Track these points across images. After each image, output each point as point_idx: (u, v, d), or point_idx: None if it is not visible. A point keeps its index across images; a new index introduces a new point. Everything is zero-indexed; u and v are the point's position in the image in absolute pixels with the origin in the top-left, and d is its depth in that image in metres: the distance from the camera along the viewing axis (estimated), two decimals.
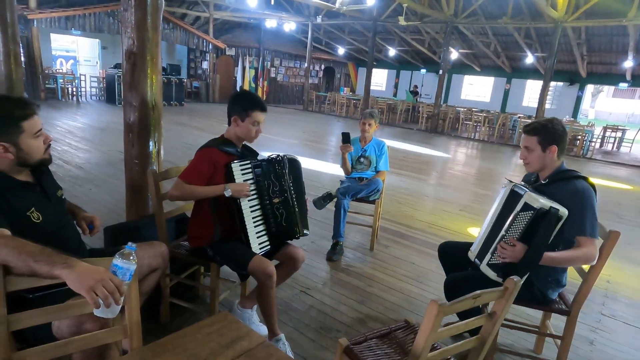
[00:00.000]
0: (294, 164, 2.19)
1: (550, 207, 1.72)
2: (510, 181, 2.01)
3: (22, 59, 10.35)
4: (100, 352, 1.28)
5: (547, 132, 1.91)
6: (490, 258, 1.90)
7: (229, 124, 2.09)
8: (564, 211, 1.74)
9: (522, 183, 2.05)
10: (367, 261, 3.35)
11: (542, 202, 1.74)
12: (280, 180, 2.10)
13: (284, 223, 2.10)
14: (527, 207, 1.78)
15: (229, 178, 1.99)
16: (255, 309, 2.23)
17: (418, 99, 17.50)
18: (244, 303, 2.21)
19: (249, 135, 2.08)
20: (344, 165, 3.47)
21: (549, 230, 1.75)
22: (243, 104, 2.03)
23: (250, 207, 2.04)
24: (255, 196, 2.06)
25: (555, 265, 1.85)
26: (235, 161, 2.00)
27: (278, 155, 2.12)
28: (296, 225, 2.14)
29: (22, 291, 1.29)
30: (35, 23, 11.41)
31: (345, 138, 3.32)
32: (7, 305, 1.11)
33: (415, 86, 18.47)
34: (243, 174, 2.02)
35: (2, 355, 1.10)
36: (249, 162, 2.06)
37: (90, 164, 5.61)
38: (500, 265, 1.85)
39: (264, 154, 2.21)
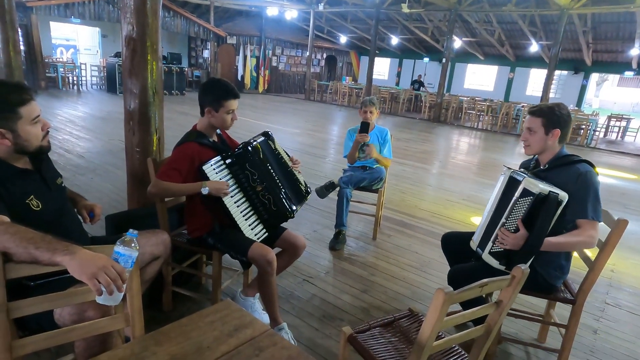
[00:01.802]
0: (266, 145, 2.15)
1: (550, 191, 1.70)
2: (509, 168, 1.99)
3: (22, 47, 10.30)
4: (103, 339, 1.27)
5: (552, 115, 1.88)
6: (492, 246, 1.88)
7: (202, 114, 2.05)
8: (563, 195, 1.72)
9: (521, 170, 2.02)
10: (370, 250, 3.33)
11: (540, 187, 1.71)
12: (257, 168, 2.05)
13: (274, 207, 2.07)
14: (526, 192, 1.76)
15: (205, 179, 1.95)
16: (258, 297, 2.22)
17: (427, 89, 17.28)
18: (246, 291, 2.20)
19: (225, 124, 2.05)
20: (352, 154, 3.38)
21: (549, 216, 1.73)
22: (215, 95, 1.99)
23: (235, 202, 2.01)
24: (237, 190, 2.03)
25: (557, 250, 1.84)
26: (207, 163, 1.96)
27: (248, 143, 2.06)
28: (288, 207, 2.10)
29: (24, 278, 1.27)
30: (34, 11, 11.30)
31: (364, 127, 3.25)
32: (8, 292, 1.09)
33: (420, 76, 18.27)
34: (217, 173, 1.99)
35: (2, 343, 1.09)
36: (220, 159, 2.01)
37: (91, 152, 5.59)
38: (503, 253, 1.83)
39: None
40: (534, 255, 1.80)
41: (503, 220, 1.84)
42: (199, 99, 2.04)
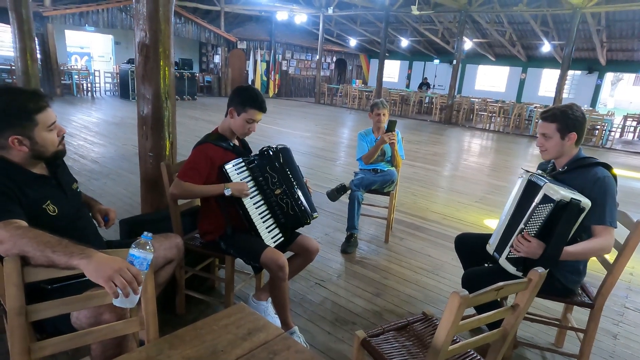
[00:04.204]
0: (286, 153, 2.18)
1: (572, 198, 1.63)
2: (527, 171, 1.93)
3: (38, 55, 10.54)
4: (118, 342, 1.28)
5: (566, 118, 1.83)
6: (510, 252, 1.83)
7: (226, 115, 2.07)
8: (586, 202, 1.65)
9: (539, 172, 1.97)
10: (382, 253, 3.31)
11: (562, 193, 1.65)
12: (277, 172, 2.08)
13: (291, 212, 2.09)
14: (546, 199, 1.70)
15: (226, 180, 1.97)
16: (270, 301, 2.22)
17: (430, 91, 17.28)
18: (258, 295, 2.20)
19: (240, 131, 2.06)
20: (372, 154, 3.32)
21: (570, 223, 1.67)
22: (243, 98, 2.02)
23: (254, 203, 2.03)
24: (256, 192, 2.05)
25: (574, 259, 1.79)
26: (228, 163, 1.99)
27: (269, 147, 2.12)
28: (304, 211, 2.12)
29: (42, 282, 1.29)
30: (50, 20, 11.57)
31: (392, 125, 3.15)
32: (26, 296, 1.11)
33: (425, 78, 18.20)
34: (239, 174, 2.01)
35: (21, 345, 1.10)
36: (241, 160, 2.04)
37: (105, 158, 5.68)
38: (520, 259, 1.78)
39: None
40: (552, 264, 1.75)
41: (522, 226, 1.79)
42: (228, 98, 2.07)
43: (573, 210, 1.65)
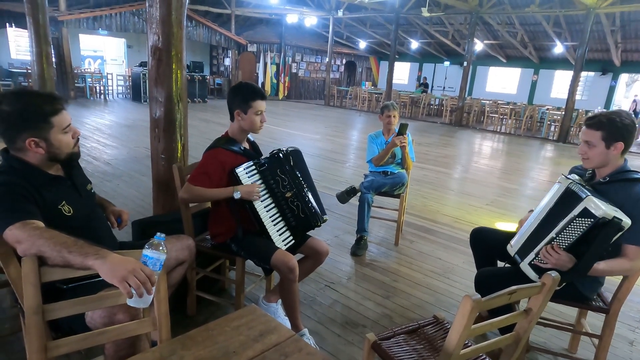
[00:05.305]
0: (297, 155, 2.19)
1: (614, 217, 1.54)
2: (567, 177, 1.83)
3: (53, 59, 10.75)
4: (131, 342, 1.30)
5: (614, 127, 1.69)
6: (534, 258, 1.76)
7: (232, 119, 2.07)
8: (627, 222, 1.56)
9: (578, 179, 1.83)
10: (392, 256, 3.30)
11: (604, 209, 1.54)
12: (287, 174, 2.09)
13: (302, 214, 2.10)
14: (586, 213, 1.59)
15: (236, 183, 1.98)
16: (280, 303, 2.23)
17: (427, 91, 17.32)
18: (268, 297, 2.21)
19: (254, 126, 2.05)
20: (382, 156, 3.30)
21: (606, 241, 1.59)
22: (243, 96, 2.01)
23: (265, 207, 2.04)
24: (267, 195, 2.06)
25: (598, 275, 1.74)
26: (239, 166, 1.99)
27: (280, 150, 2.12)
28: (315, 214, 2.13)
29: (57, 282, 1.32)
30: (65, 24, 11.79)
31: (403, 129, 3.14)
32: (42, 295, 1.13)
33: (425, 78, 18.19)
34: (250, 177, 2.02)
35: (38, 344, 1.12)
36: (252, 163, 2.04)
37: (117, 160, 5.76)
38: (544, 268, 1.70)
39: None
40: (579, 279, 1.70)
41: (552, 235, 1.70)
42: (228, 104, 2.07)
43: (613, 229, 1.56)
